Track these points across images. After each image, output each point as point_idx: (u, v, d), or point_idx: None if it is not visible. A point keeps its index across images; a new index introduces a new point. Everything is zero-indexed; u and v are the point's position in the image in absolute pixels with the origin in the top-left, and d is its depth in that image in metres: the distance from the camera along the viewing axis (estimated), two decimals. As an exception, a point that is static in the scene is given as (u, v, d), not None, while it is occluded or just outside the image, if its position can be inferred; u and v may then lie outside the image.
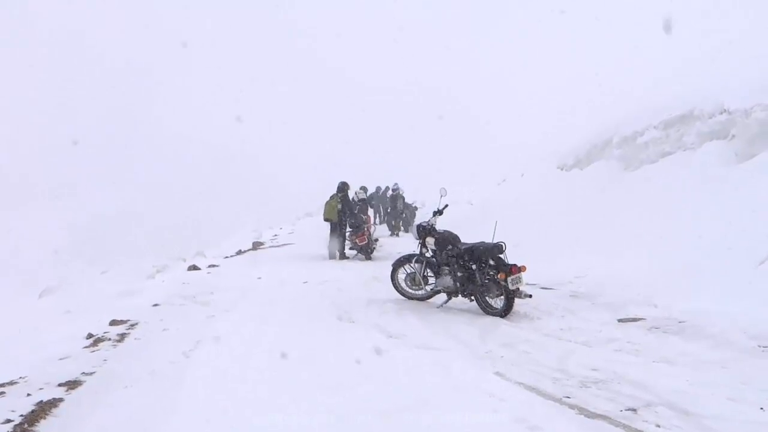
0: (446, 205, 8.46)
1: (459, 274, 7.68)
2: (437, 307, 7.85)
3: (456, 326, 6.73)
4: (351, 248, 14.31)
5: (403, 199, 20.96)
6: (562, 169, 14.77)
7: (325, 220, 14.20)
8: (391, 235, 20.09)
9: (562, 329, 6.37)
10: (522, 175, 18.51)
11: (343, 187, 14.33)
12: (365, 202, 16.94)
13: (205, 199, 33.52)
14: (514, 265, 7.14)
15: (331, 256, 14.03)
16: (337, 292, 9.08)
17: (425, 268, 8.27)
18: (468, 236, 8.38)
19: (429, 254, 8.27)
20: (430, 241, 8.21)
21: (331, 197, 14.18)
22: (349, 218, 14.17)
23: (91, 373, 5.26)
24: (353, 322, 7.06)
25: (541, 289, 8.34)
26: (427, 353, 5.62)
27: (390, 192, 21.43)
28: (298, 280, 10.39)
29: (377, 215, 23.03)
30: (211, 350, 5.74)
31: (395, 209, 20.51)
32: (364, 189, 17.59)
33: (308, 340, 6.05)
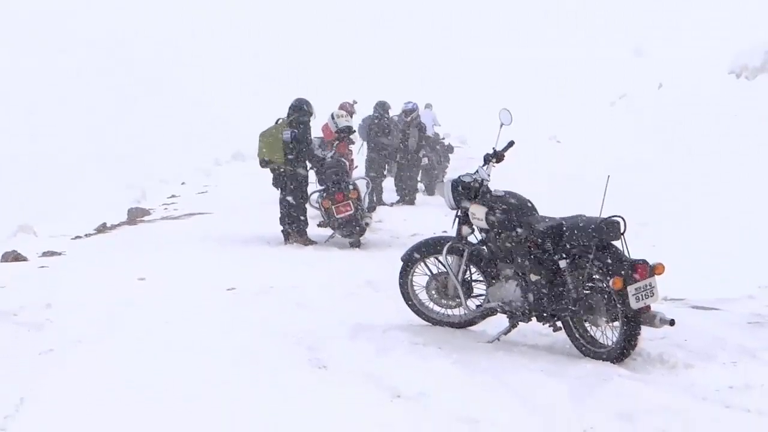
0: (511, 143, 8.35)
1: (533, 277, 7.59)
2: (489, 342, 7.85)
3: (526, 378, 6.69)
4: (323, 223, 14.37)
5: (423, 129, 20.64)
6: (738, 77, 15.30)
7: (263, 164, 14.26)
8: (399, 201, 20.21)
9: (732, 387, 6.34)
10: (659, 86, 18.45)
11: (300, 107, 14.30)
12: (351, 132, 16.85)
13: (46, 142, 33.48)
14: (642, 261, 7.02)
15: (286, 238, 14.10)
16: (296, 310, 9.07)
17: (468, 266, 8.21)
18: (551, 205, 8.47)
19: (476, 238, 8.20)
20: (479, 212, 8.03)
21: (276, 122, 14.25)
22: (313, 161, 14.21)
23: None
24: (326, 368, 7.10)
25: (692, 310, 8.44)
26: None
27: (402, 116, 20.88)
28: (219, 284, 10.36)
29: (386, 163, 22.00)
30: (47, 418, 5.71)
31: (407, 149, 20.29)
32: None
33: (236, 411, 6.00)
